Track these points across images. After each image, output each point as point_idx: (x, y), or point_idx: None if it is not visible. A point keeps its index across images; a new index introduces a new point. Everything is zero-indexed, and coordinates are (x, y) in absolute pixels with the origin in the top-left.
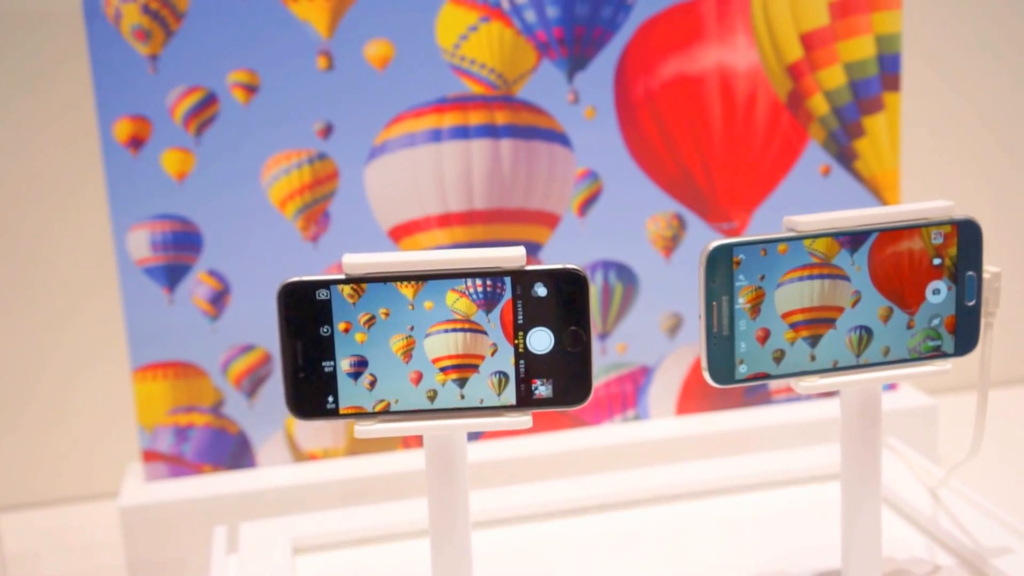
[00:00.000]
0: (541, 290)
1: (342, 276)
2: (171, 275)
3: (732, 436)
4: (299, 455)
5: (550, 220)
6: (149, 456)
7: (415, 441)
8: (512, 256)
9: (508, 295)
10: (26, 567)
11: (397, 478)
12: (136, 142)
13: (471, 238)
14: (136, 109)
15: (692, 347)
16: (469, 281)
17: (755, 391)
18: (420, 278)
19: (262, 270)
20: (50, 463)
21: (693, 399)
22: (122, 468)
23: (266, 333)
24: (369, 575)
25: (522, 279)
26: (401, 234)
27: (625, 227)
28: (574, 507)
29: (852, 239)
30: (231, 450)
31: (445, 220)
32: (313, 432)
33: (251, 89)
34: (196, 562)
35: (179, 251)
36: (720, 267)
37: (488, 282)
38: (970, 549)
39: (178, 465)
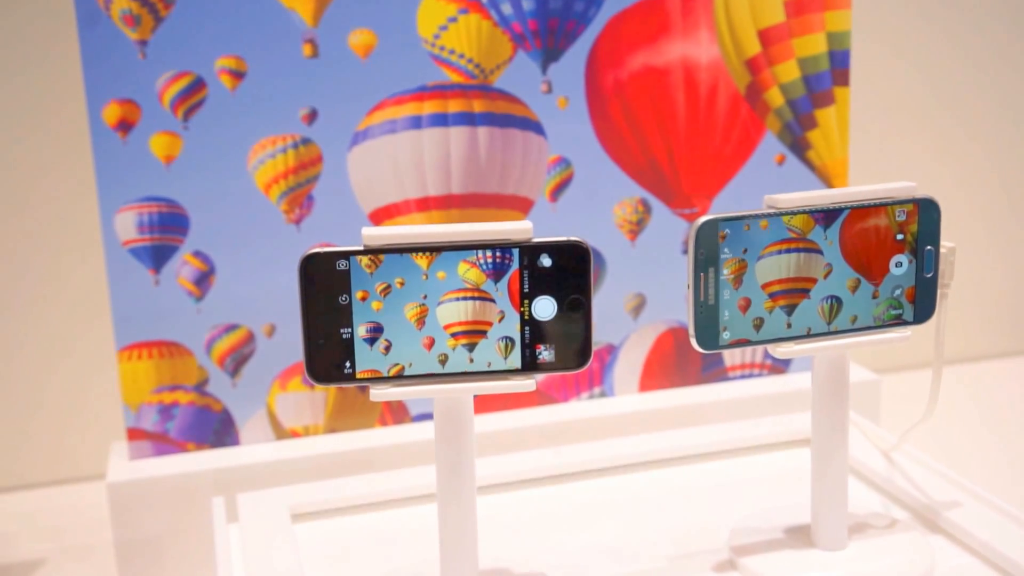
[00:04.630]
0: (546, 261)
1: (361, 247)
2: (157, 256)
3: (692, 410)
4: (281, 432)
5: (523, 204)
6: (134, 434)
7: (392, 418)
8: (520, 229)
9: (515, 265)
10: (11, 548)
11: (374, 452)
12: (125, 125)
13: (448, 221)
14: (125, 93)
15: (655, 327)
16: (480, 252)
17: (712, 368)
18: (434, 249)
19: (246, 251)
20: (33, 444)
21: (655, 376)
22: (103, 449)
23: (250, 313)
24: (366, 539)
25: (529, 251)
26: (382, 217)
27: (594, 212)
28: (556, 474)
29: (826, 216)
30: (215, 428)
31: (424, 204)
32: (294, 410)
33: (238, 75)
34: (184, 537)
35: (165, 232)
36: (707, 241)
37: (497, 253)
38: (923, 504)
39: (162, 443)
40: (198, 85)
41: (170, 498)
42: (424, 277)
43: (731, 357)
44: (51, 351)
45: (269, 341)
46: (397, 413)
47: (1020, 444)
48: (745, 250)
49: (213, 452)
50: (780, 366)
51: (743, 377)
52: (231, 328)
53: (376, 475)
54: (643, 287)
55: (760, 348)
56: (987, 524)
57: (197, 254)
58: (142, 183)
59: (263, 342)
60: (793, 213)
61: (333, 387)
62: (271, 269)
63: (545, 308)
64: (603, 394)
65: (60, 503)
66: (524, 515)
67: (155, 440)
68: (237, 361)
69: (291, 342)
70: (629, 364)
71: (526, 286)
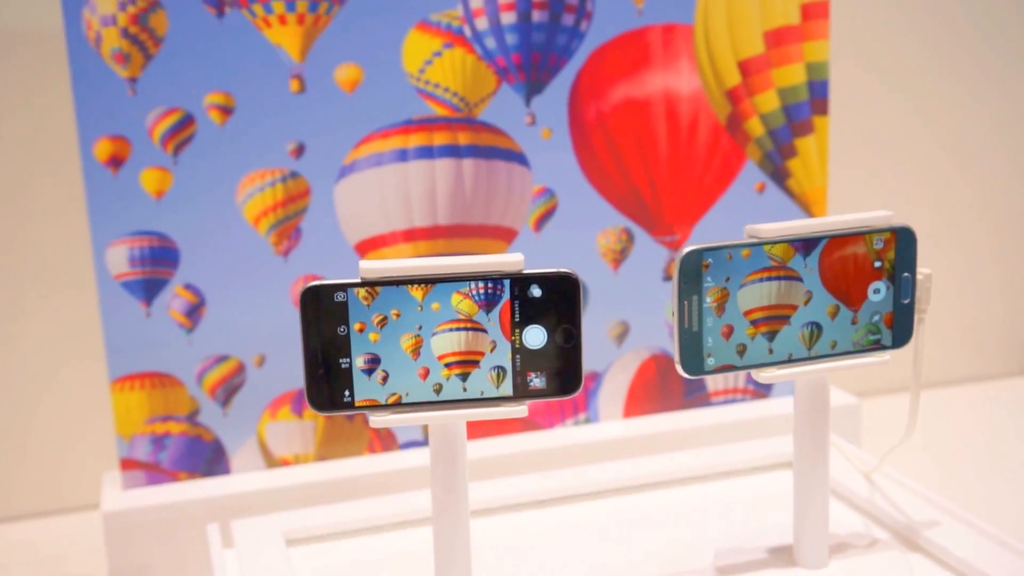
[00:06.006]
0: (536, 291)
1: (358, 280)
2: (148, 289)
3: (676, 435)
4: (271, 461)
5: (508, 235)
6: (127, 464)
7: (380, 446)
8: (511, 261)
9: (506, 296)
10: None
11: (364, 480)
12: (116, 161)
13: (434, 252)
14: (116, 129)
15: (638, 353)
16: (472, 284)
17: (695, 393)
18: (429, 281)
19: (236, 284)
20: (26, 475)
21: (639, 402)
22: (95, 479)
23: (240, 344)
24: (360, 563)
25: (520, 281)
26: (369, 248)
27: (577, 241)
28: (543, 499)
29: (805, 244)
30: (207, 457)
31: (410, 235)
32: (285, 439)
33: (226, 110)
34: (178, 565)
35: (156, 266)
36: (691, 270)
37: (489, 284)
38: (903, 524)
39: (155, 473)
40: (187, 121)
41: (164, 527)
42: (419, 308)
43: (714, 383)
44: (45, 383)
45: (259, 371)
46: (385, 441)
47: (997, 464)
48: (727, 278)
49: (205, 481)
50: (762, 391)
51: (726, 402)
52: (222, 359)
53: (369, 500)
54: (626, 314)
55: (743, 373)
56: (966, 543)
57: (188, 287)
58: (133, 217)
59: (253, 372)
60: (773, 242)
61: (335, 415)
62: (261, 301)
63: (536, 337)
64: (588, 420)
65: (53, 534)
66: (513, 539)
67: (148, 470)
68: (228, 391)
69: (281, 372)
70: (613, 390)
71: (517, 316)
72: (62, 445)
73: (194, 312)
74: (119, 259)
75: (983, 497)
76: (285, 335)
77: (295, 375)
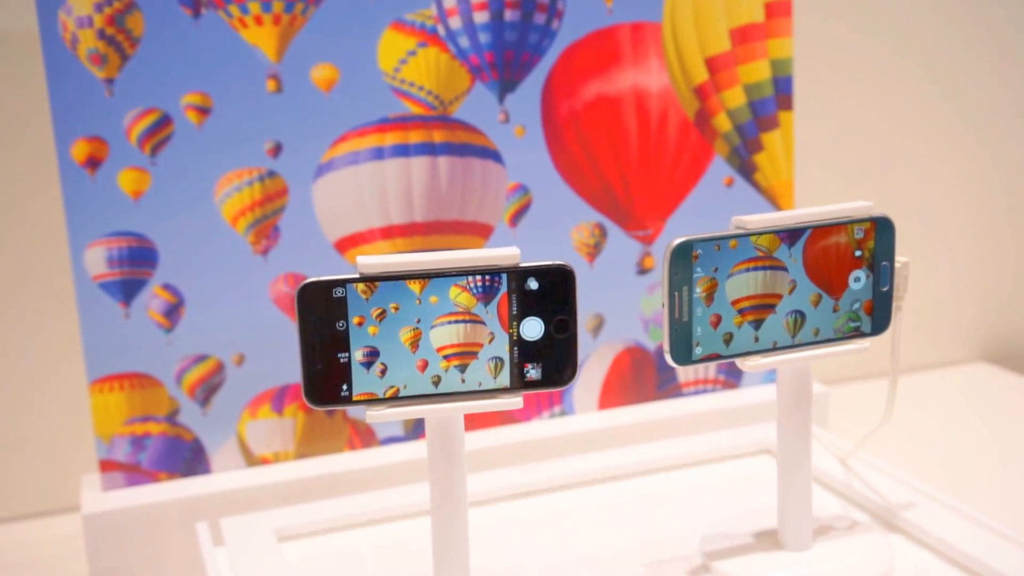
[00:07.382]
0: (533, 284)
1: (357, 275)
2: (127, 290)
3: (651, 425)
4: (251, 460)
5: (484, 230)
6: (106, 466)
7: (360, 442)
8: (508, 255)
9: (504, 289)
10: None
11: (345, 476)
12: (93, 162)
13: (412, 248)
14: (93, 130)
15: (612, 347)
16: (470, 277)
17: (667, 385)
18: (426, 275)
19: (215, 283)
20: (3, 478)
21: (613, 394)
22: (73, 482)
23: (219, 343)
24: (352, 556)
25: (516, 274)
26: (347, 246)
27: (552, 236)
28: (528, 490)
29: (790, 235)
30: (186, 457)
31: (388, 232)
32: (264, 437)
33: (204, 111)
34: (160, 567)
35: (135, 266)
36: (682, 261)
37: (487, 277)
38: (881, 506)
39: (135, 474)
40: (165, 121)
41: (145, 528)
42: (417, 302)
43: (684, 374)
44: (21, 385)
45: (239, 370)
46: (365, 437)
47: (966, 446)
48: (716, 269)
49: (186, 481)
50: (732, 380)
51: (697, 393)
52: (201, 359)
53: (357, 496)
54: (602, 307)
55: (712, 364)
56: (942, 522)
57: (166, 287)
58: (111, 218)
59: (232, 371)
60: (760, 233)
61: (326, 410)
62: (240, 300)
63: (533, 328)
64: (564, 413)
65: (32, 537)
66: (503, 530)
67: (127, 471)
68: (207, 391)
69: (260, 371)
70: (589, 383)
71: (514, 308)
72: (40, 447)
73: (173, 312)
74: (97, 260)
75: (955, 477)
76: (264, 334)
77: (275, 374)
